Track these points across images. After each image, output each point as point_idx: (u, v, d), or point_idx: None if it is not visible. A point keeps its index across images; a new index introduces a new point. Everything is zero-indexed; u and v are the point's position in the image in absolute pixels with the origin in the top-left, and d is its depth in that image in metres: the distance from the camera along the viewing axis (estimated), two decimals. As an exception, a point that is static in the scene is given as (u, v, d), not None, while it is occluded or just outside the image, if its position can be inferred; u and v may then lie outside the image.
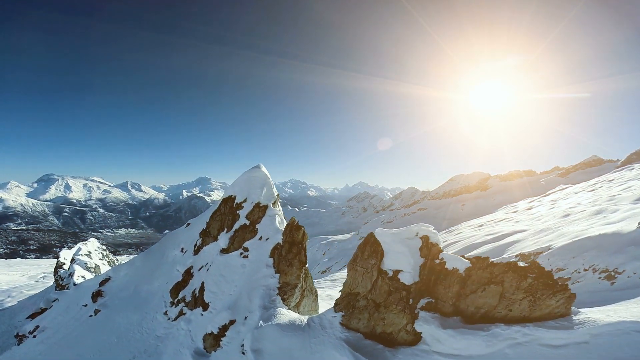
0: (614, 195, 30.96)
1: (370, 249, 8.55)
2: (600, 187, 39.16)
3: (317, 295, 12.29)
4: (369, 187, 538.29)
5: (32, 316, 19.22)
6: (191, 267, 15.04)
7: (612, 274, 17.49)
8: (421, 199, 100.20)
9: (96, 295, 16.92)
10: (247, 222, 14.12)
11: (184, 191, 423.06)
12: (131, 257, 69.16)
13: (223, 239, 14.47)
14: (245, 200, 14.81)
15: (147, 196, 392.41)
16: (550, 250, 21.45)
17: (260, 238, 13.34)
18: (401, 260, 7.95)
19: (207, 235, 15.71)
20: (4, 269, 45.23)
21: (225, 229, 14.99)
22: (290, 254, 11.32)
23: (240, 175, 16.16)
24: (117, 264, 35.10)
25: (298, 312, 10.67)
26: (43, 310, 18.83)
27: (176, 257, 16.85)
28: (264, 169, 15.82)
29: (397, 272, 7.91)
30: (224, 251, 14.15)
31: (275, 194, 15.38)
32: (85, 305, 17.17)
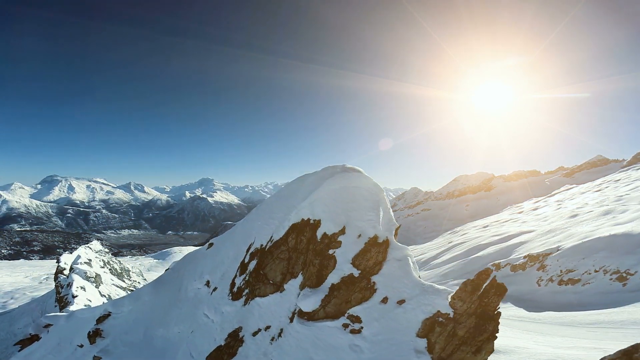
0: (621, 196, 30.56)
1: None
2: (606, 187, 38.72)
3: None
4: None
5: (22, 343, 16.94)
6: (239, 329, 10.06)
7: (624, 275, 17.17)
8: (424, 200, 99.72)
9: (94, 335, 13.79)
10: (355, 272, 8.46)
11: (186, 192, 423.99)
12: (134, 258, 68.97)
13: (307, 298, 8.69)
14: (342, 231, 8.87)
15: (150, 197, 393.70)
16: (559, 252, 21.12)
17: (385, 300, 8.11)
18: None
19: (262, 280, 10.06)
20: (7, 270, 45.29)
21: (301, 277, 9.34)
22: (483, 335, 6.82)
23: (319, 185, 9.64)
24: (119, 270, 34.47)
25: None
26: (33, 338, 16.52)
27: (200, 294, 12.39)
28: (365, 174, 9.75)
29: None
30: (305, 316, 8.68)
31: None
32: (81, 345, 13.94)
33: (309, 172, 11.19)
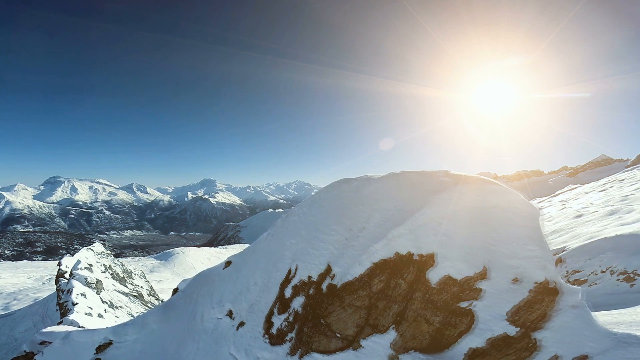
0: (626, 195, 30.30)
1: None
2: (611, 187, 38.43)
3: None
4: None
5: None
6: None
7: (631, 275, 16.95)
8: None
9: (95, 366, 12.57)
10: (511, 330, 5.90)
11: (189, 193, 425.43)
12: (136, 259, 68.69)
13: None
14: (483, 275, 6.16)
15: (152, 198, 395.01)
16: (564, 252, 20.91)
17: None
18: None
19: (322, 332, 7.63)
20: (10, 271, 45.46)
21: (395, 334, 6.71)
22: None
23: (423, 202, 6.86)
24: (121, 274, 33.74)
25: None
26: (28, 355, 16.25)
27: (221, 327, 10.63)
28: (507, 187, 7.00)
29: None
30: None
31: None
32: None
33: (349, 177, 8.97)
